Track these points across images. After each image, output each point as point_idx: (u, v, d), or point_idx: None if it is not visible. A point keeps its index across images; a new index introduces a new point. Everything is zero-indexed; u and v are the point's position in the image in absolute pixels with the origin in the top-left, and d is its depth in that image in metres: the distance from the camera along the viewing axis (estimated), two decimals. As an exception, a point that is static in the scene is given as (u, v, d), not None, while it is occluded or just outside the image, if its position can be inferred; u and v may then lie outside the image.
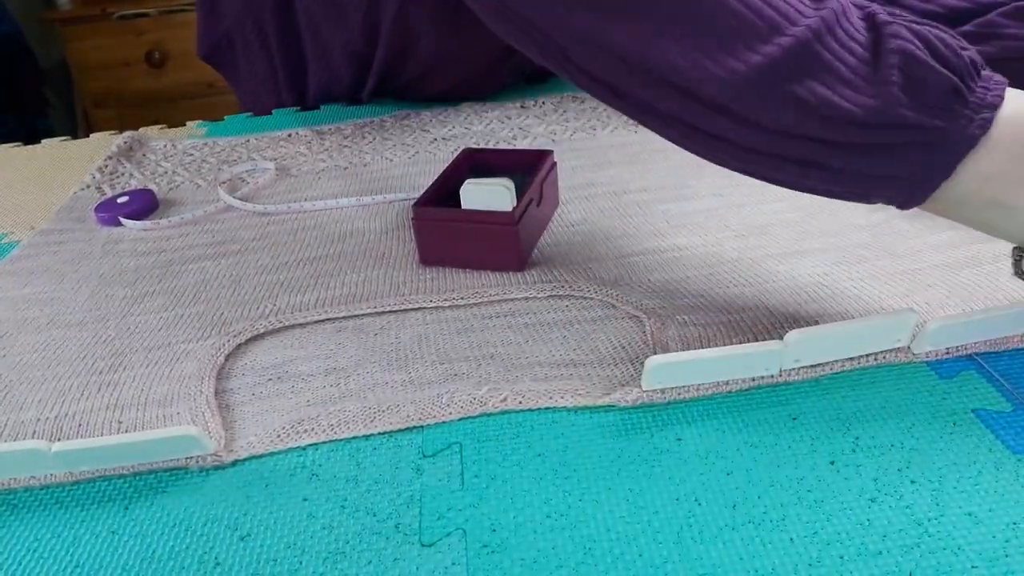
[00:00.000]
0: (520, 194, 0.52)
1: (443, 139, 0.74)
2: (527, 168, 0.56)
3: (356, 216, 0.62)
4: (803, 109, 0.34)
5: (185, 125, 0.87)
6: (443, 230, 0.51)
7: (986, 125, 0.34)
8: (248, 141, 0.79)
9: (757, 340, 0.42)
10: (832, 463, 0.35)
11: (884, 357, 0.40)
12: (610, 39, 0.35)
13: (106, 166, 0.75)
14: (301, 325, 0.48)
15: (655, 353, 0.41)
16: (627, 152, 0.69)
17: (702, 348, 0.40)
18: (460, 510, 0.35)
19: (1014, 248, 0.39)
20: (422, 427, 0.40)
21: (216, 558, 0.33)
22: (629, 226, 0.57)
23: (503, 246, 0.51)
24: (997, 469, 0.34)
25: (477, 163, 0.58)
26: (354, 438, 0.39)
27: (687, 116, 0.37)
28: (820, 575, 0.30)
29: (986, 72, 0.35)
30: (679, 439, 0.37)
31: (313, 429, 0.40)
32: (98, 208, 0.65)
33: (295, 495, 0.36)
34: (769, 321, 0.44)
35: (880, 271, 0.47)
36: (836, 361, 0.40)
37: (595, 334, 0.46)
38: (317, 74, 0.81)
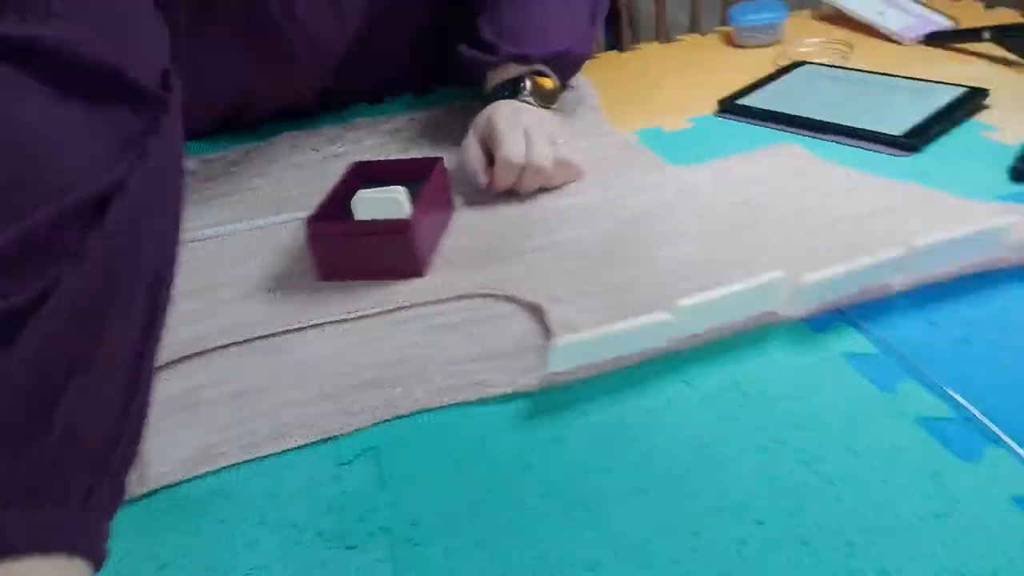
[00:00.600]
0: (414, 201, 0.52)
1: (334, 156, 0.74)
2: (419, 176, 0.57)
3: (249, 241, 0.61)
4: None
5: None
6: (339, 244, 0.52)
7: None
8: (129, 175, 0.76)
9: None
10: (725, 420, 0.38)
11: (763, 319, 0.44)
12: None
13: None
14: (204, 353, 0.48)
15: (557, 338, 0.43)
16: (516, 154, 0.71)
17: (600, 328, 0.42)
18: (381, 510, 0.35)
19: None
20: (336, 437, 0.40)
21: (134, 593, 0.33)
22: (523, 224, 0.59)
23: (401, 253, 0.51)
24: (869, 406, 0.38)
25: (368, 176, 0.59)
26: (268, 456, 0.39)
27: None
28: (720, 523, 0.32)
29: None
30: (585, 415, 0.39)
31: (225, 452, 0.39)
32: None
33: (212, 518, 0.36)
34: (658, 297, 0.47)
35: (754, 242, 0.51)
36: (722, 327, 0.43)
37: (500, 328, 0.47)
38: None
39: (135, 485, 0.38)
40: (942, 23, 0.85)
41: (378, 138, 0.77)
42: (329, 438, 0.40)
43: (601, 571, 0.31)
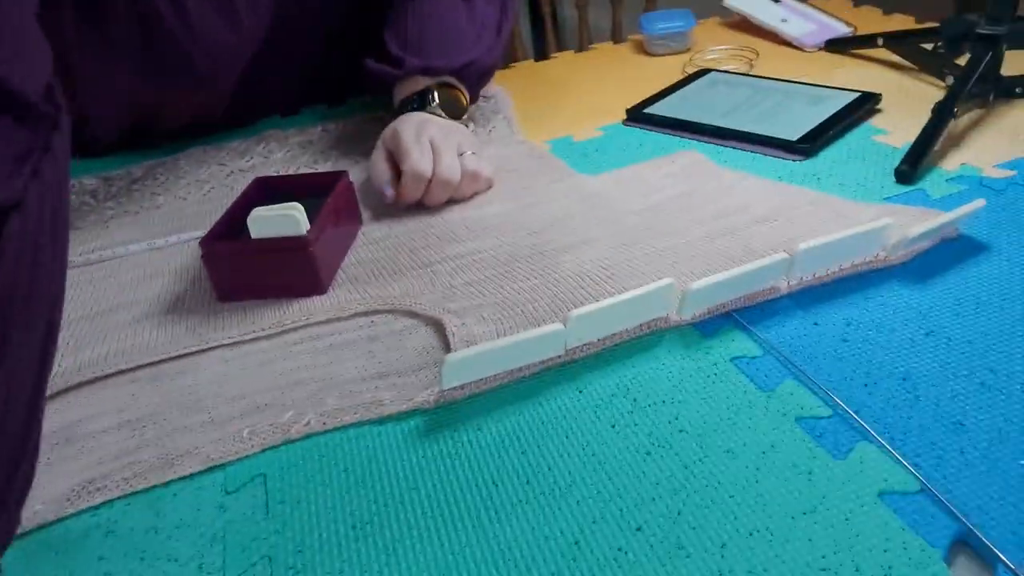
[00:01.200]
0: (315, 217, 0.52)
1: (240, 171, 0.72)
2: (322, 191, 0.56)
3: (149, 261, 0.59)
4: None
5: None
6: (236, 263, 0.51)
7: None
8: (27, 197, 0.74)
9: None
10: (613, 426, 0.38)
11: (655, 325, 0.45)
12: None
13: None
14: (90, 382, 0.46)
15: (450, 354, 0.43)
16: (428, 166, 0.71)
17: (493, 342, 0.42)
18: (265, 538, 0.34)
19: None
20: (224, 465, 0.39)
21: (-1, 641, 0.31)
22: (431, 236, 0.59)
23: (301, 271, 0.51)
24: (750, 407, 0.39)
25: (270, 192, 0.58)
26: (152, 488, 0.38)
27: None
28: (601, 531, 0.33)
29: None
30: (479, 429, 0.39)
31: (106, 486, 0.38)
32: None
33: (89, 556, 0.35)
34: (558, 307, 0.48)
35: (651, 249, 0.52)
36: (616, 334, 0.44)
37: (400, 344, 0.47)
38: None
39: (6, 525, 0.36)
40: (841, 30, 0.89)
41: (288, 151, 0.76)
42: (217, 466, 0.39)
43: (484, 587, 0.31)
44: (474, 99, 0.76)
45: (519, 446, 0.38)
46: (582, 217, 0.58)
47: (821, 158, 0.63)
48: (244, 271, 0.51)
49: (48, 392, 0.45)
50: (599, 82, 0.86)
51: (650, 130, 0.72)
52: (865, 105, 0.68)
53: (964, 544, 0.31)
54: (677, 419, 0.38)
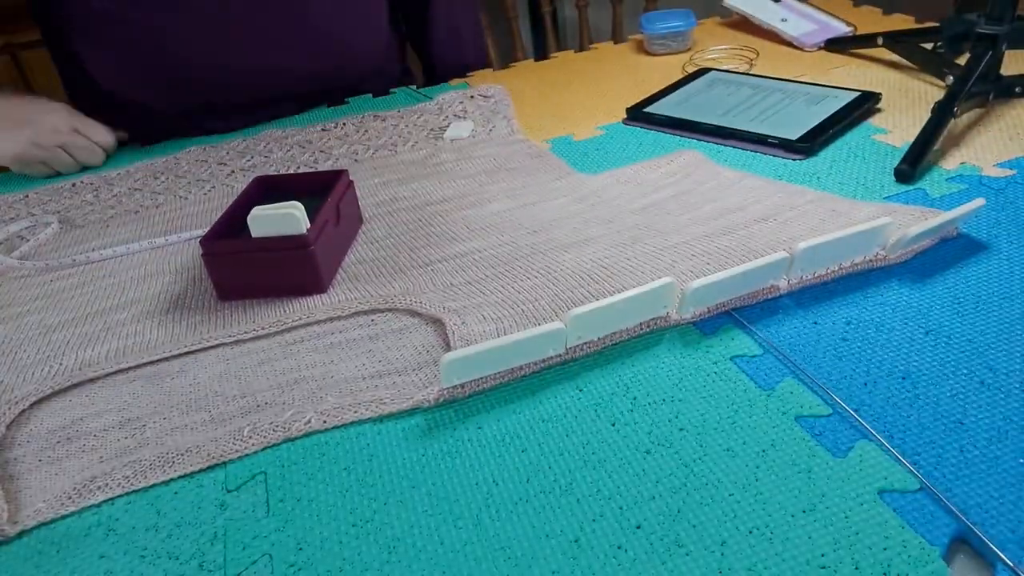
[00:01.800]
0: (315, 216, 0.52)
1: (241, 171, 0.72)
2: (322, 190, 0.56)
3: (150, 260, 0.59)
4: None
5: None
6: (236, 262, 0.51)
7: None
8: (27, 196, 0.74)
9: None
10: (613, 424, 0.38)
11: (655, 323, 0.45)
12: None
13: None
14: (91, 381, 0.46)
15: (450, 352, 0.43)
16: (427, 166, 0.71)
17: (493, 340, 0.42)
18: (266, 536, 0.35)
19: None
20: (225, 463, 0.39)
21: (0, 638, 0.31)
22: (431, 235, 0.59)
23: (301, 270, 0.51)
24: (750, 406, 0.39)
25: (270, 191, 0.58)
26: (153, 486, 0.38)
27: None
28: (600, 529, 0.33)
29: None
30: (479, 428, 0.40)
31: (108, 484, 0.38)
32: None
33: (91, 554, 0.35)
34: (558, 306, 0.48)
35: (651, 248, 0.52)
36: (616, 333, 0.44)
37: (400, 343, 0.47)
38: None
39: (7, 527, 0.36)
40: (841, 29, 0.89)
41: (288, 151, 0.76)
42: (218, 464, 0.39)
43: (484, 585, 0.31)
44: None
45: (519, 444, 0.38)
46: (582, 216, 0.58)
47: (821, 157, 0.63)
48: (244, 270, 0.51)
49: (49, 391, 0.45)
50: (599, 82, 0.86)
51: (650, 129, 0.72)
52: (865, 104, 0.68)
53: (963, 542, 0.31)
54: (677, 418, 0.38)
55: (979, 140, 0.62)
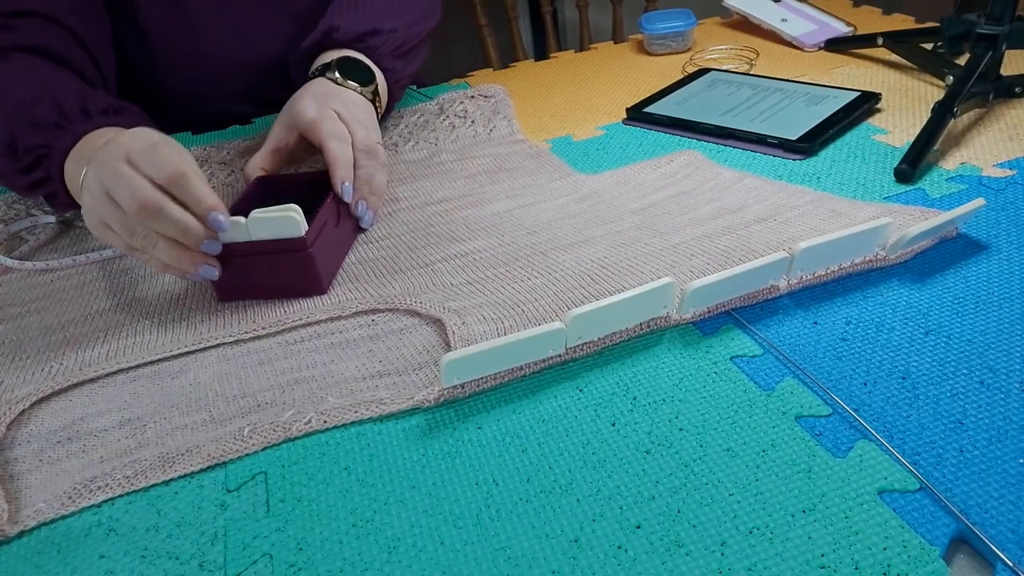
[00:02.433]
0: (315, 217, 0.52)
1: (241, 171, 0.72)
2: (322, 190, 0.56)
3: (150, 260, 0.59)
4: None
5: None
6: (236, 264, 0.51)
7: None
8: (28, 196, 0.74)
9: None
10: (613, 424, 0.38)
11: (655, 323, 0.45)
12: None
13: None
14: (92, 381, 0.46)
15: (450, 352, 0.43)
16: (429, 165, 0.71)
17: (494, 340, 0.42)
18: (266, 536, 0.35)
19: None
20: (225, 463, 0.39)
21: (0, 638, 0.31)
22: (432, 235, 0.59)
23: (300, 271, 0.51)
24: (750, 406, 0.39)
25: (271, 191, 0.58)
26: (153, 486, 0.38)
27: None
28: (601, 529, 0.33)
29: None
30: (479, 428, 0.40)
31: (108, 484, 0.38)
32: None
33: (91, 554, 0.35)
34: (558, 306, 0.48)
35: (651, 248, 0.52)
36: (616, 333, 0.44)
37: (401, 343, 0.47)
38: None
39: (7, 526, 0.36)
40: (841, 29, 0.89)
41: (289, 152, 0.76)
42: (218, 464, 0.39)
43: (484, 585, 0.31)
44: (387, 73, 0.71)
45: (519, 444, 0.38)
46: (582, 216, 0.58)
47: (821, 157, 0.63)
48: (246, 271, 0.51)
49: (49, 391, 0.45)
50: (599, 82, 0.86)
51: (650, 129, 0.72)
52: (865, 105, 0.68)
53: (963, 542, 0.31)
54: (677, 418, 0.38)
55: (979, 140, 0.62)
